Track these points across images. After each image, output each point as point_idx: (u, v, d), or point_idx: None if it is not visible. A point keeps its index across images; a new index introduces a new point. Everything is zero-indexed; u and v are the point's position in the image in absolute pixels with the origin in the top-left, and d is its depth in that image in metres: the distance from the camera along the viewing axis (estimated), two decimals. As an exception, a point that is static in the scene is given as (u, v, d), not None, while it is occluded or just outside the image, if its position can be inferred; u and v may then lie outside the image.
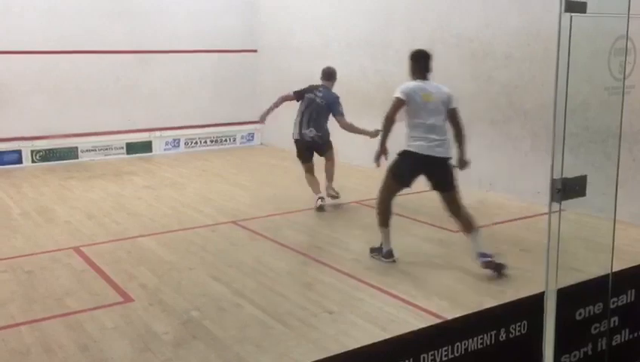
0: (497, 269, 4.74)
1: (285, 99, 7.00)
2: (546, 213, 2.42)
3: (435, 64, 8.00)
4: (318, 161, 7.04)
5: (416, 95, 4.86)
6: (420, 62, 5.04)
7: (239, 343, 3.70)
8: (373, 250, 5.24)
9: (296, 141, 6.95)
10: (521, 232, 5.94)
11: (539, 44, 6.67)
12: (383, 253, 5.10)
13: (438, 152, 4.83)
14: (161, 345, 3.69)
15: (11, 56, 9.44)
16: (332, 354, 2.27)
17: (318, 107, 6.85)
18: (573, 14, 2.28)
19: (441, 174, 4.90)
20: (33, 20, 9.50)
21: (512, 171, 7.29)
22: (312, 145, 6.93)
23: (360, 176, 8.33)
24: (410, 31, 8.46)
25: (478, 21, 7.52)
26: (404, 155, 4.90)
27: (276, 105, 7.00)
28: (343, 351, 2.41)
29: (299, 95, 6.95)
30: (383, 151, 5.01)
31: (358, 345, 2.31)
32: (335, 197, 6.98)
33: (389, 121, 4.88)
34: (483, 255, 4.79)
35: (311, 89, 6.98)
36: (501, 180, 7.38)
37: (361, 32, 9.26)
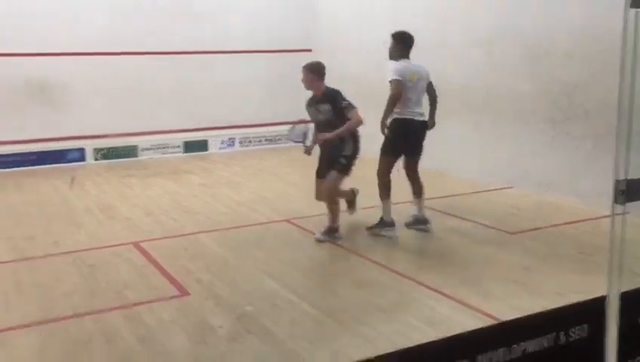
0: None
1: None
2: (608, 216, 2.35)
3: (493, 62, 7.89)
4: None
5: (407, 75, 5.57)
6: (407, 43, 5.76)
7: (292, 339, 3.74)
8: (372, 227, 5.74)
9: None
10: (581, 235, 5.76)
11: (601, 41, 6.46)
12: (385, 224, 5.69)
13: (422, 119, 5.72)
14: (216, 338, 3.77)
15: (75, 57, 9.80)
16: (384, 352, 2.27)
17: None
18: (639, 10, 2.20)
19: (419, 140, 5.77)
20: (96, 23, 9.84)
21: (572, 172, 7.08)
22: None
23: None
24: (467, 29, 8.34)
25: (538, 18, 7.34)
26: (398, 122, 5.59)
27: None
28: (394, 349, 2.40)
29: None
30: (385, 125, 5.60)
31: (411, 344, 2.30)
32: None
33: (395, 100, 5.53)
34: (422, 221, 5.84)
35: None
36: (561, 181, 7.18)
37: (417, 31, 9.15)
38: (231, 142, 11.35)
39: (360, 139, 5.66)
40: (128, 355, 3.58)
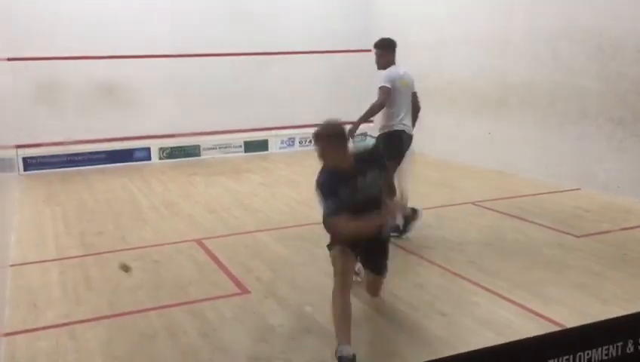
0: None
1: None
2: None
3: (558, 60, 7.67)
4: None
5: (397, 82, 5.53)
6: (394, 50, 5.73)
7: (352, 339, 3.74)
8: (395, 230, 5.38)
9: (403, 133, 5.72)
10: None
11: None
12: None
13: (411, 130, 5.68)
14: (276, 336, 3.82)
15: (141, 60, 10.13)
16: (443, 356, 2.24)
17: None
18: None
19: (408, 149, 5.72)
20: (159, 26, 10.13)
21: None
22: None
23: (476, 176, 8.12)
24: (531, 26, 8.11)
25: (607, 14, 7.06)
26: (395, 135, 5.54)
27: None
28: (454, 353, 2.37)
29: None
30: (355, 130, 5.59)
31: (470, 349, 2.26)
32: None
33: (379, 108, 5.54)
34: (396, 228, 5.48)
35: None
36: (630, 183, 6.90)
37: (479, 28, 9.02)
38: (291, 141, 11.46)
39: None
40: (190, 350, 3.68)
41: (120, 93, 10.07)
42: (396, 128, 5.58)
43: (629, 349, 2.28)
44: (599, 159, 7.28)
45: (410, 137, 5.67)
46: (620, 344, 2.27)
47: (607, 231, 5.78)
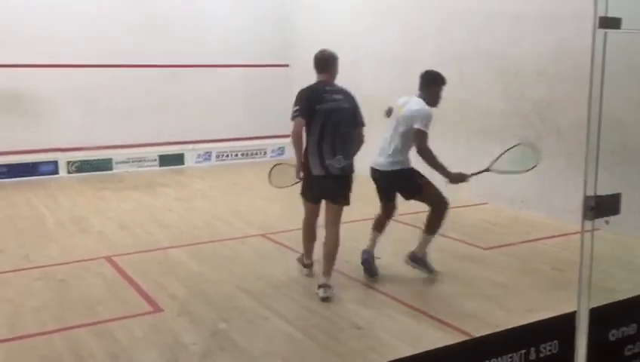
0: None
1: (300, 134, 4.61)
2: (579, 232, 2.38)
3: (464, 80, 8.01)
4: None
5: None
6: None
7: (266, 356, 3.70)
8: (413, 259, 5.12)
9: (319, 179, 4.66)
10: (553, 251, 5.83)
11: (571, 60, 6.59)
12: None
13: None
14: (189, 355, 3.72)
15: (50, 70, 9.71)
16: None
17: (342, 118, 4.63)
18: (607, 30, 2.25)
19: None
20: (71, 36, 9.77)
21: (545, 189, 7.17)
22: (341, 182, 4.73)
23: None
24: (440, 47, 8.44)
25: (509, 38, 7.47)
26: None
27: (299, 151, 4.66)
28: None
29: (306, 108, 4.58)
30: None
31: (384, 361, 2.29)
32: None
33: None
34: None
35: (320, 94, 4.60)
36: (533, 198, 7.28)
37: (392, 48, 9.28)
38: (207, 156, 11.30)
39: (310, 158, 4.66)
40: (98, 372, 3.51)
41: (26, 103, 9.59)
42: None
43: (532, 356, 2.39)
44: (505, 175, 7.63)
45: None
46: (523, 351, 2.37)
47: (512, 244, 6.06)
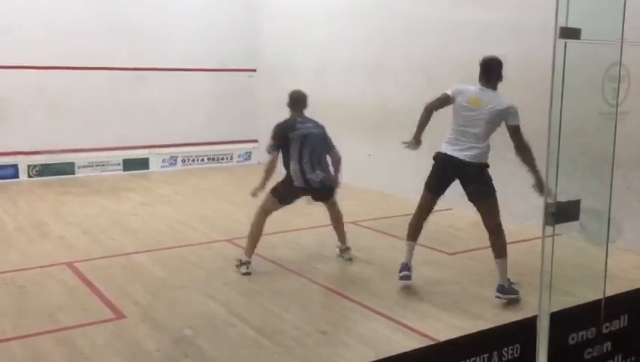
0: None
1: (273, 164, 5.39)
2: (540, 237, 2.43)
3: (433, 88, 8.06)
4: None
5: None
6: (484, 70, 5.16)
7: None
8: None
9: (300, 189, 5.45)
10: (516, 256, 5.91)
11: (535, 69, 6.73)
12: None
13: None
14: (153, 362, 3.66)
15: (10, 71, 9.49)
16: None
17: (315, 141, 5.49)
18: (567, 40, 2.31)
19: None
20: (33, 36, 9.56)
21: (507, 195, 7.26)
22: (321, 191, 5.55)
23: (357, 197, 8.34)
24: (407, 55, 8.54)
25: (474, 47, 7.59)
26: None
27: (267, 178, 5.38)
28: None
29: (280, 139, 5.42)
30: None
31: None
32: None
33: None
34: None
35: (293, 124, 5.50)
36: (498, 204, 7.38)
37: (360, 55, 9.35)
38: (173, 160, 11.18)
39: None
40: (58, 381, 3.44)
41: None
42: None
43: (494, 360, 2.42)
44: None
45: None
46: (486, 355, 2.40)
47: (476, 249, 6.13)
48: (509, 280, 4.76)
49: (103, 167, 10.45)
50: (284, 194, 5.46)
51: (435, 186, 5.00)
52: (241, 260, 5.34)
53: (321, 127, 5.60)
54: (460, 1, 7.84)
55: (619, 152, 2.86)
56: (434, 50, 8.13)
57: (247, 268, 5.29)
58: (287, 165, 5.43)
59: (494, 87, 5.00)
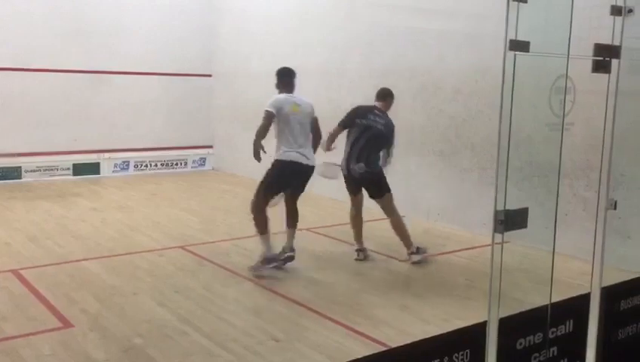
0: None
1: (334, 136, 5.86)
2: (490, 244, 2.48)
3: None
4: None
5: (286, 106, 5.46)
6: (286, 77, 5.70)
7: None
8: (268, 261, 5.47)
9: (345, 177, 5.96)
10: (467, 262, 6.04)
11: (487, 79, 6.90)
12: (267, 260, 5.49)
13: (308, 163, 5.54)
14: (101, 372, 3.57)
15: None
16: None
17: (376, 135, 5.83)
18: (517, 53, 2.37)
19: (304, 181, 5.66)
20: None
21: (459, 202, 7.44)
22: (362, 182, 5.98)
23: (311, 203, 8.35)
24: (366, 62, 8.61)
25: (432, 56, 7.72)
26: (280, 165, 5.45)
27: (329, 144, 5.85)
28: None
29: (348, 122, 5.89)
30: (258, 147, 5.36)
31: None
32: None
33: (264, 131, 5.37)
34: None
35: (364, 112, 5.87)
36: (449, 211, 7.53)
37: (318, 61, 9.38)
38: (125, 165, 10.96)
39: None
40: (0, 393, 3.32)
41: None
42: (285, 158, 5.48)
43: (445, 365, 2.46)
44: (422, 188, 7.87)
45: (307, 168, 5.60)
46: (437, 361, 2.43)
47: (427, 256, 6.22)
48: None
49: (52, 171, 10.16)
50: (347, 183, 5.97)
51: (285, 188, 5.66)
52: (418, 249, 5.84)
53: (390, 126, 5.92)
54: (419, 9, 7.95)
55: (565, 162, 2.96)
56: (392, 58, 8.21)
57: (361, 254, 5.93)
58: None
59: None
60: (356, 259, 5.93)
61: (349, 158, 5.82)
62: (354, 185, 5.97)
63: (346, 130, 5.89)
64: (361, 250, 6.01)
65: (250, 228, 6.51)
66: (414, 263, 5.79)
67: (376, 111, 5.89)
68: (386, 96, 6.08)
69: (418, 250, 5.89)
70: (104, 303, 4.65)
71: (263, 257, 5.44)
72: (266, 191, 5.46)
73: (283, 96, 5.54)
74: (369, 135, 5.78)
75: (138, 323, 4.30)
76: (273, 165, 5.47)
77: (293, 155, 5.44)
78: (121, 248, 6.17)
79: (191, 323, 4.31)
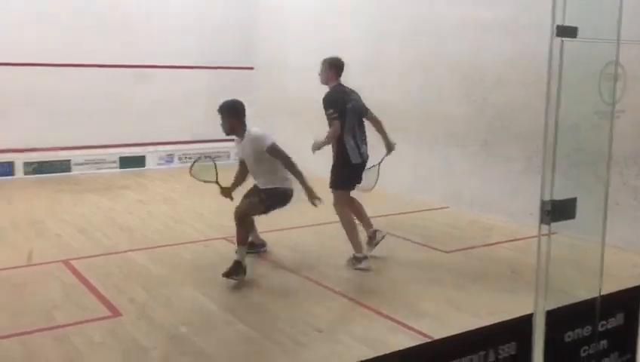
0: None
1: (336, 132, 5.39)
2: (537, 236, 2.43)
3: (430, 86, 8.08)
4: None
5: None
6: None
7: (228, 360, 3.67)
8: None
9: (356, 166, 5.50)
10: (512, 254, 5.95)
11: (532, 68, 6.74)
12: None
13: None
14: (149, 360, 3.66)
15: (4, 68, 9.43)
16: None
17: (361, 113, 5.53)
18: (564, 39, 2.31)
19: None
20: (27, 32, 9.50)
21: (504, 193, 7.31)
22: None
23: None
24: (403, 53, 8.53)
25: (471, 45, 7.59)
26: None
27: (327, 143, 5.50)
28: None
29: (340, 112, 5.37)
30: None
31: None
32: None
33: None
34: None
35: (345, 95, 5.49)
36: (493, 202, 7.40)
37: (356, 53, 9.32)
38: (170, 158, 11.15)
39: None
40: (54, 379, 3.43)
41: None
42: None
43: (491, 358, 2.43)
44: (465, 179, 7.76)
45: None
46: (482, 353, 2.41)
47: (472, 248, 6.15)
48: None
49: (99, 164, 10.41)
50: (347, 180, 5.45)
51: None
52: (357, 257, 5.35)
53: (359, 96, 5.56)
54: (459, 0, 7.83)
55: (615, 150, 2.87)
56: (431, 48, 8.12)
57: (364, 262, 5.31)
58: (339, 141, 5.30)
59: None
60: (382, 239, 5.68)
61: (358, 145, 5.42)
62: (361, 172, 5.57)
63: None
64: (376, 231, 5.73)
65: (292, 218, 6.53)
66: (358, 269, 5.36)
67: (346, 90, 5.53)
68: (343, 68, 5.68)
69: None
70: (151, 293, 4.75)
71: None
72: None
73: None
74: (358, 115, 5.47)
75: (184, 313, 4.38)
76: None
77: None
78: (167, 239, 6.29)
79: (235, 313, 4.37)
